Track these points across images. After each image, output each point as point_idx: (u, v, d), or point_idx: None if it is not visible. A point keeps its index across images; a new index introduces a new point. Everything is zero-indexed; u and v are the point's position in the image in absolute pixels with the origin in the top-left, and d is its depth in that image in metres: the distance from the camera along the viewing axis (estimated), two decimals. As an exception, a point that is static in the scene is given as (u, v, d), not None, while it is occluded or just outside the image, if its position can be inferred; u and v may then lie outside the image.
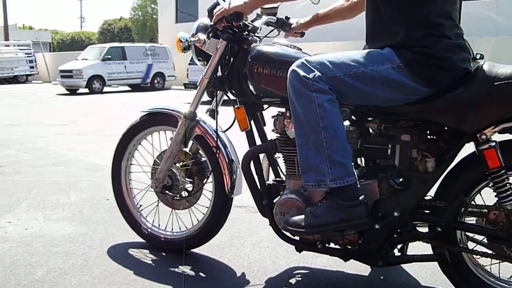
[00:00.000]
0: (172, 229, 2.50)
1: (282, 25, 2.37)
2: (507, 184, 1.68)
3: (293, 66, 1.79)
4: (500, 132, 1.70)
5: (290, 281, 2.18)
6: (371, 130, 1.93)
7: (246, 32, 2.13)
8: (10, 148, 5.58)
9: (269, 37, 2.31)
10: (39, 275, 2.21)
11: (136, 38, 37.52)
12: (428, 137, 1.83)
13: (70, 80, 16.83)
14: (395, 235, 1.89)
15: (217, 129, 2.24)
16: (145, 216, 2.58)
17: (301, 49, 2.07)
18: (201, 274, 2.26)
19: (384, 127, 1.87)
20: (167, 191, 2.38)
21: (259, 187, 2.13)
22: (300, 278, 2.20)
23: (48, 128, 7.41)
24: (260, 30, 2.23)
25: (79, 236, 2.71)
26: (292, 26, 2.39)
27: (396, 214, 1.81)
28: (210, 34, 2.15)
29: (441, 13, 1.69)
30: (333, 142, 1.73)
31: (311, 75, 1.72)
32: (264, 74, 1.98)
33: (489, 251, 1.78)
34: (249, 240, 2.66)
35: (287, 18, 2.37)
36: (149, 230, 2.52)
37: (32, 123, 8.13)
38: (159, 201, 2.46)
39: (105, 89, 17.31)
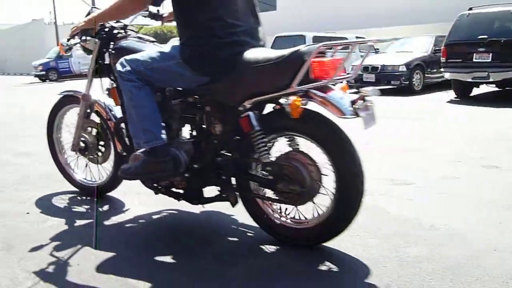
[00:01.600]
0: (90, 178, 3.37)
1: (154, 16, 3.02)
2: (262, 143, 2.22)
3: (118, 62, 2.46)
4: (255, 104, 2.23)
5: (382, 270, 2.13)
6: (186, 105, 2.51)
7: (117, 31, 2.81)
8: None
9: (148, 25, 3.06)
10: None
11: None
12: (217, 108, 2.38)
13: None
14: (205, 182, 2.51)
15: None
16: (73, 169, 3.45)
17: (155, 41, 2.85)
18: (295, 261, 2.28)
19: (193, 103, 2.47)
20: (86, 152, 3.17)
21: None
22: (391, 267, 2.15)
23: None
24: (132, 25, 2.92)
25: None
26: (164, 15, 3.03)
27: (200, 166, 2.47)
28: (88, 37, 2.80)
29: (213, 18, 2.22)
30: (143, 116, 2.38)
31: (124, 69, 2.39)
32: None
33: (272, 195, 2.35)
34: (338, 228, 2.64)
35: (158, 10, 2.96)
36: (77, 180, 3.41)
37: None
38: (78, 158, 3.32)
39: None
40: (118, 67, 2.44)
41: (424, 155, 4.51)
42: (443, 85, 10.93)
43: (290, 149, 2.34)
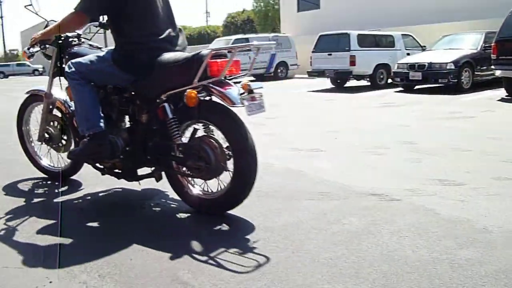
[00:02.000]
0: (54, 165, 3.91)
1: (103, 25, 3.47)
2: (175, 129, 2.80)
3: (66, 65, 3.10)
4: (170, 96, 2.80)
5: (433, 272, 2.09)
6: (122, 99, 3.06)
7: (72, 39, 3.35)
8: None
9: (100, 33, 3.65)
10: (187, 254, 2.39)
11: (259, 29, 38.36)
12: (143, 101, 2.94)
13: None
14: (137, 162, 3.08)
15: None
16: (40, 157, 3.96)
17: (100, 48, 3.39)
18: (338, 260, 2.27)
19: (127, 97, 3.03)
20: (50, 142, 3.64)
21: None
22: (443, 270, 2.11)
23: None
24: (87, 33, 3.55)
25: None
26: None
27: (133, 149, 3.05)
28: (47, 45, 3.28)
29: (137, 29, 2.84)
30: (85, 108, 2.98)
31: (70, 70, 2.99)
32: None
33: (186, 171, 2.90)
34: (386, 229, 2.61)
35: (106, 21, 3.34)
36: (43, 165, 3.95)
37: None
38: (47, 148, 3.83)
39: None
40: (66, 68, 3.05)
41: (475, 155, 4.38)
42: (494, 83, 10.56)
43: (204, 134, 2.89)
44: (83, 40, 3.45)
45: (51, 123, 3.62)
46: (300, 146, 5.02)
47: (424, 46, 13.23)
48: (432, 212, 2.85)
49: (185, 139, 2.90)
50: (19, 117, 3.93)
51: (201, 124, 2.90)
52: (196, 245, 2.49)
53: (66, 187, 3.67)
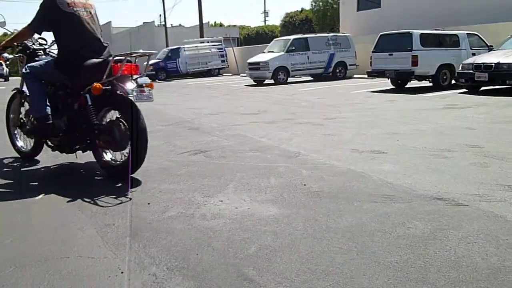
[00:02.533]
0: (25, 146, 5.04)
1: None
2: (94, 113, 3.93)
3: (23, 67, 4.31)
4: (89, 90, 3.86)
5: (505, 281, 2.02)
6: (65, 93, 4.19)
7: (36, 47, 4.58)
8: (212, 135, 6.19)
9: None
10: (252, 250, 2.43)
11: (317, 29, 38.07)
12: (76, 94, 4.04)
13: (258, 72, 17.87)
14: (72, 139, 4.20)
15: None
16: (17, 139, 5.07)
17: (54, 55, 4.42)
18: (404, 264, 2.24)
19: (67, 91, 4.15)
20: (22, 128, 4.76)
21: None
22: (516, 279, 2.04)
23: (242, 117, 8.01)
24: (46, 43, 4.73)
25: (283, 217, 2.90)
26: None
27: (69, 130, 4.13)
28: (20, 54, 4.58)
29: (71, 41, 4.04)
30: (34, 98, 4.17)
31: (25, 71, 4.18)
32: None
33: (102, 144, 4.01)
34: (453, 234, 2.55)
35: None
36: (18, 146, 5.05)
37: (227, 112, 8.89)
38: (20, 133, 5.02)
39: (289, 79, 17.98)
40: (23, 70, 4.26)
41: (548, 161, 4.17)
42: None
43: (116, 117, 3.96)
44: (47, 51, 4.61)
45: (23, 113, 4.79)
46: (360, 147, 4.97)
47: (491, 46, 12.68)
48: (503, 219, 2.75)
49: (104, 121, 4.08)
50: (7, 108, 5.06)
51: (116, 111, 3.97)
52: (261, 244, 2.53)
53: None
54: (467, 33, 13.33)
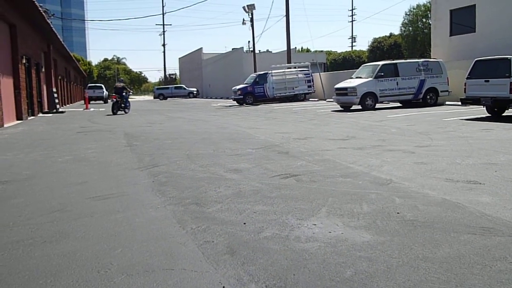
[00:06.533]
0: None
1: None
2: None
3: None
4: None
5: None
6: None
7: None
8: (301, 159, 6.29)
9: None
10: (348, 274, 2.48)
11: (406, 54, 37.26)
12: None
13: (345, 97, 17.81)
14: None
15: None
16: None
17: None
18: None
19: None
20: None
21: None
22: None
23: (330, 142, 8.05)
24: None
25: (377, 244, 2.92)
26: None
27: None
28: None
29: None
30: None
31: None
32: None
33: None
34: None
35: None
36: None
37: (315, 137, 8.96)
38: None
39: (377, 105, 17.73)
40: None
41: None
42: None
43: None
44: None
45: None
46: (455, 177, 4.83)
47: None
48: None
49: None
50: None
51: None
52: (356, 269, 2.57)
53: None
54: None
